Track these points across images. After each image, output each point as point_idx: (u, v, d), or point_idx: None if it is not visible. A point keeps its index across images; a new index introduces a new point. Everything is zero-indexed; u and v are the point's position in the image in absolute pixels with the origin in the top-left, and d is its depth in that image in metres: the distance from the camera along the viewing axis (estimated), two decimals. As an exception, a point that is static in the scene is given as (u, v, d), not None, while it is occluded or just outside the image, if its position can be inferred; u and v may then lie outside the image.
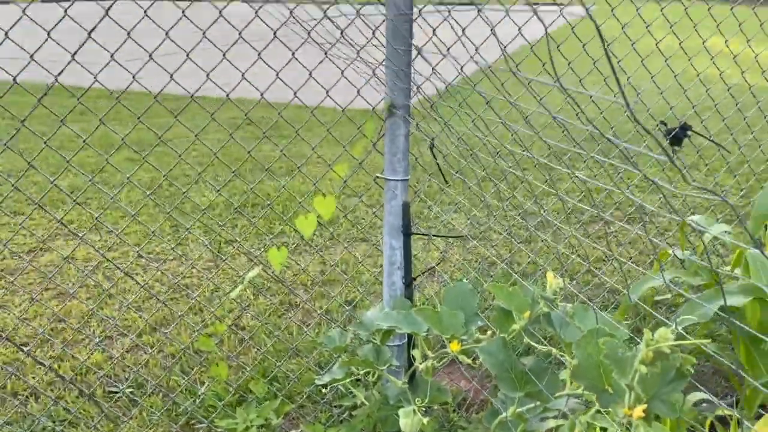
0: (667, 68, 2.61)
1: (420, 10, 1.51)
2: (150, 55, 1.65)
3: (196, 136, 2.39)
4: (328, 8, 1.49)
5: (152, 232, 2.34)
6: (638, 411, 0.74)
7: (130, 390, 2.38)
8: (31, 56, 1.43)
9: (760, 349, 1.59)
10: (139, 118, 1.74)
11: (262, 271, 3.37)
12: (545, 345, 0.98)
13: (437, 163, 1.60)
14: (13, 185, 1.80)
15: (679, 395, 0.75)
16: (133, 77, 1.63)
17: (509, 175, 4.09)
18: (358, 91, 1.64)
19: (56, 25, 1.49)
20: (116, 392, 2.37)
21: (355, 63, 1.61)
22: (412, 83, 1.50)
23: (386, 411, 1.53)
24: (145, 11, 1.61)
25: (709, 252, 2.37)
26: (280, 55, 2.00)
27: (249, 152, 2.29)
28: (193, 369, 2.48)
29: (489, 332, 1.12)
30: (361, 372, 1.48)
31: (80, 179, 4.70)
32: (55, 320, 2.83)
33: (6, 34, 1.41)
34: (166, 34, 1.51)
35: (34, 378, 2.44)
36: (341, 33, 1.49)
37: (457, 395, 2.12)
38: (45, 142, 1.69)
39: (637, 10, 2.17)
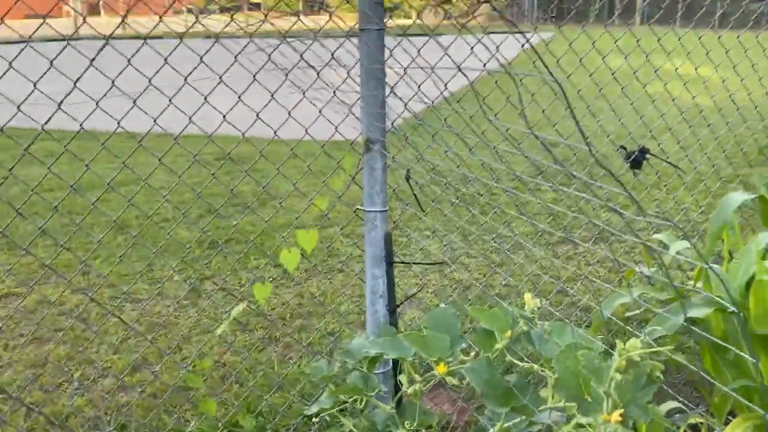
0: (624, 94, 2.75)
1: (391, 51, 1.59)
2: (135, 97, 1.70)
3: (179, 176, 2.44)
4: (303, 51, 1.56)
5: (139, 273, 2.35)
6: (615, 416, 0.81)
7: (117, 425, 2.37)
8: (18, 107, 1.47)
9: (725, 358, 1.68)
10: (124, 162, 1.78)
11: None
12: (527, 362, 1.05)
13: (413, 193, 1.67)
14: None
15: (650, 399, 0.82)
16: (119, 123, 1.68)
17: (481, 200, 4.19)
18: (336, 128, 1.72)
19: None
20: (99, 430, 2.36)
21: (327, 98, 1.68)
22: (386, 120, 1.58)
23: (375, 435, 1.57)
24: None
25: (674, 268, 2.48)
26: (252, 91, 2.07)
27: (232, 190, 2.34)
28: (176, 407, 2.48)
29: (472, 353, 1.18)
30: (349, 400, 1.53)
31: (49, 222, 4.66)
32: (34, 366, 2.80)
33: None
34: (149, 81, 1.57)
35: (13, 426, 2.42)
36: (317, 74, 1.57)
37: (442, 418, 2.17)
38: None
39: (593, 43, 2.30)
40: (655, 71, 2.54)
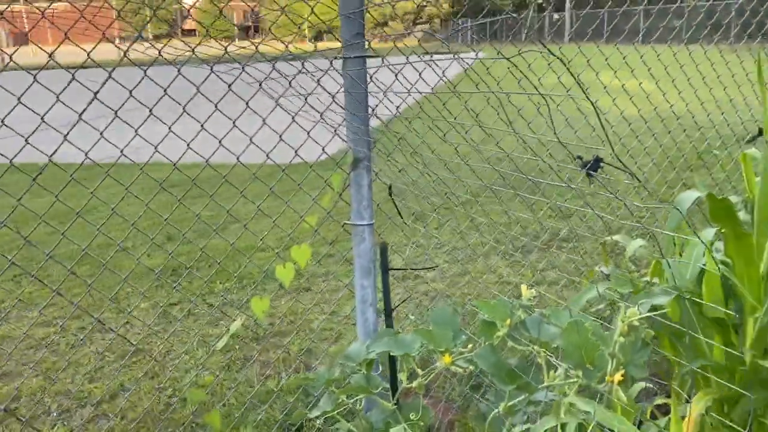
0: (559, 110, 2.98)
1: (371, 76, 1.73)
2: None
3: (146, 204, 2.50)
4: (292, 78, 1.68)
5: (107, 302, 2.38)
6: (617, 376, 0.96)
7: (101, 458, 2.39)
8: None
9: (682, 343, 1.87)
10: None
11: (212, 330, 3.42)
12: (527, 345, 1.18)
13: (396, 206, 1.80)
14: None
15: (646, 360, 0.97)
16: (85, 157, 1.74)
17: (457, 212, 4.36)
18: (323, 149, 1.83)
19: None
20: (85, 463, 2.37)
21: (307, 117, 1.80)
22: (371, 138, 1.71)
23: (374, 435, 1.68)
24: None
25: (630, 265, 2.69)
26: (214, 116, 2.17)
27: (197, 214, 2.40)
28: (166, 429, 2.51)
29: (470, 345, 1.30)
30: (350, 402, 1.63)
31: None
32: (7, 400, 2.77)
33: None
34: (114, 112, 1.65)
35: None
36: (305, 100, 1.69)
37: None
38: None
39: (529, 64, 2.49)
40: (603, 86, 2.77)
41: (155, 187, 2.31)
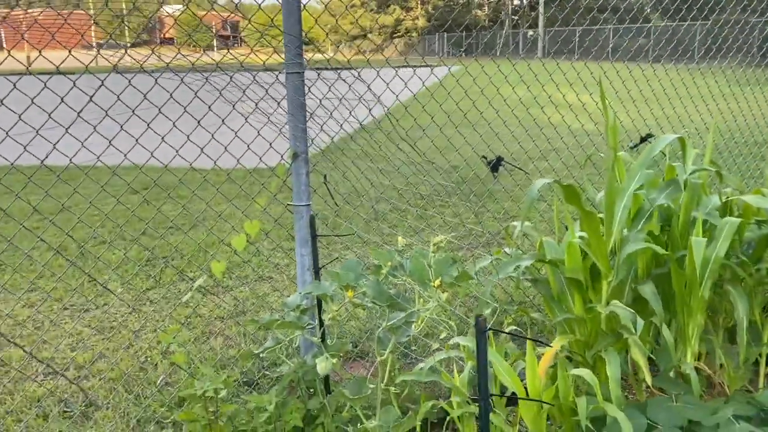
0: (501, 120, 3.49)
1: (310, 88, 2.20)
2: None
3: (119, 200, 2.92)
4: (246, 88, 2.14)
5: (84, 287, 2.80)
6: (437, 282, 1.42)
7: (83, 407, 2.79)
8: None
9: (555, 302, 2.36)
10: (75, 189, 2.28)
11: (182, 310, 3.84)
12: (401, 281, 1.64)
13: (329, 190, 2.26)
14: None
15: (456, 274, 1.44)
16: (69, 162, 2.18)
17: (390, 216, 4.84)
18: (271, 144, 2.29)
19: None
20: (70, 411, 2.77)
21: (258, 122, 2.25)
22: (308, 137, 2.18)
23: (305, 368, 2.13)
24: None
25: (518, 243, 3.20)
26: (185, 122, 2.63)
27: (174, 216, 2.84)
28: (135, 388, 2.93)
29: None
30: (286, 340, 2.08)
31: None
32: (-2, 365, 3.16)
33: None
34: (105, 112, 2.09)
35: (-9, 409, 2.79)
36: (256, 105, 2.15)
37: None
38: None
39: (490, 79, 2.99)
40: (545, 99, 3.27)
41: (129, 189, 2.74)
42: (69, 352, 3.30)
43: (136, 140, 2.73)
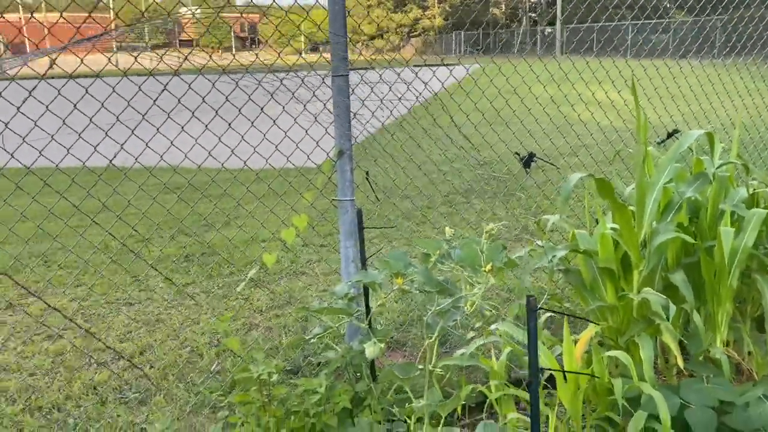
0: (545, 114, 3.61)
1: (354, 89, 2.33)
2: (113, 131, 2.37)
3: (155, 199, 3.08)
4: (296, 90, 2.28)
5: (128, 283, 2.96)
6: (488, 266, 1.54)
7: (136, 395, 2.96)
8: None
9: (588, 291, 2.47)
10: (114, 188, 2.43)
11: (221, 303, 4.00)
12: (449, 269, 1.76)
13: (371, 186, 2.39)
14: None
15: (504, 258, 1.56)
16: (107, 164, 2.34)
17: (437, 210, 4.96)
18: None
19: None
20: (125, 398, 2.94)
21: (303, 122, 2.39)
22: (352, 136, 2.31)
23: (352, 353, 2.27)
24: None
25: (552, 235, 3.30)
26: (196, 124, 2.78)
27: (191, 209, 3.00)
28: (185, 376, 3.08)
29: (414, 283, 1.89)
30: (335, 326, 2.22)
31: (20, 248, 5.14)
32: (53, 354, 3.34)
33: None
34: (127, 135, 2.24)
35: (48, 396, 2.96)
36: (304, 107, 2.29)
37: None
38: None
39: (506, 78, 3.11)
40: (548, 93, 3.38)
41: (165, 189, 2.90)
42: (119, 343, 3.47)
43: (171, 142, 2.89)
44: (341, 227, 2.40)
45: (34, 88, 2.61)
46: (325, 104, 2.32)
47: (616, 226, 2.32)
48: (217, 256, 4.81)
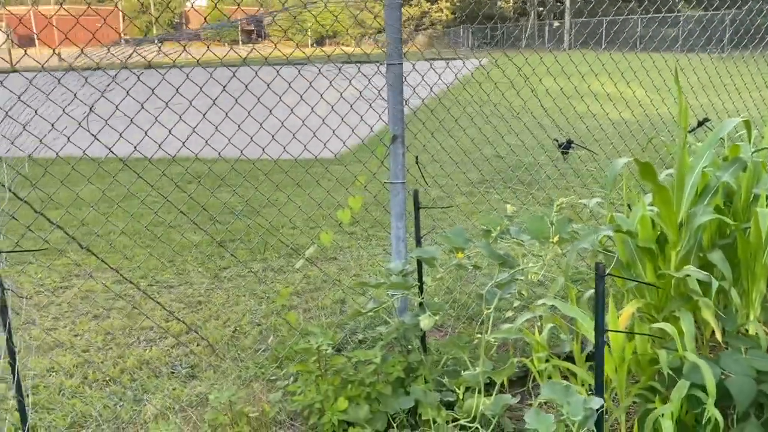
0: (556, 107, 3.72)
1: (405, 78, 2.45)
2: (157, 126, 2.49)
3: (190, 196, 3.21)
4: (352, 78, 2.40)
5: (164, 267, 3.10)
6: (555, 238, 1.66)
7: (187, 369, 3.10)
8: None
9: (626, 271, 2.59)
10: (138, 174, 2.56)
11: (258, 287, 4.13)
12: (509, 244, 1.88)
13: (420, 170, 2.51)
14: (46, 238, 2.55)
15: (570, 231, 1.67)
16: (135, 147, 2.46)
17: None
18: (372, 128, 2.56)
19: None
20: (176, 372, 3.08)
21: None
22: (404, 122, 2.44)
23: (405, 326, 2.39)
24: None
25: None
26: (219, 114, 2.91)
27: (238, 205, 3.12)
28: (230, 353, 3.22)
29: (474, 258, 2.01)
30: (389, 301, 2.35)
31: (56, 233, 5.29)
32: (103, 333, 3.48)
33: None
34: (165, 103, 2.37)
35: (104, 370, 3.11)
36: (360, 93, 2.41)
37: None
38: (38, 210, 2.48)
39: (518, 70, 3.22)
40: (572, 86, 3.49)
41: (189, 178, 3.02)
42: (164, 322, 3.61)
43: (193, 129, 3.01)
44: (392, 209, 2.53)
45: (62, 76, 2.74)
46: (360, 92, 2.44)
47: (654, 208, 2.43)
48: (249, 242, 4.94)
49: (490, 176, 6.42)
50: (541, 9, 51.47)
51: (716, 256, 2.33)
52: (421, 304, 2.23)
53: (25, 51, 2.28)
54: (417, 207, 2.34)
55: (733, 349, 2.31)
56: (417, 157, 2.50)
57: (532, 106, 4.11)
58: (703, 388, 1.99)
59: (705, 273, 2.14)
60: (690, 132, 3.43)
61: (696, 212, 2.41)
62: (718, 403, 1.99)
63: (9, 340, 1.94)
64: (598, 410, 1.59)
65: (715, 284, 2.09)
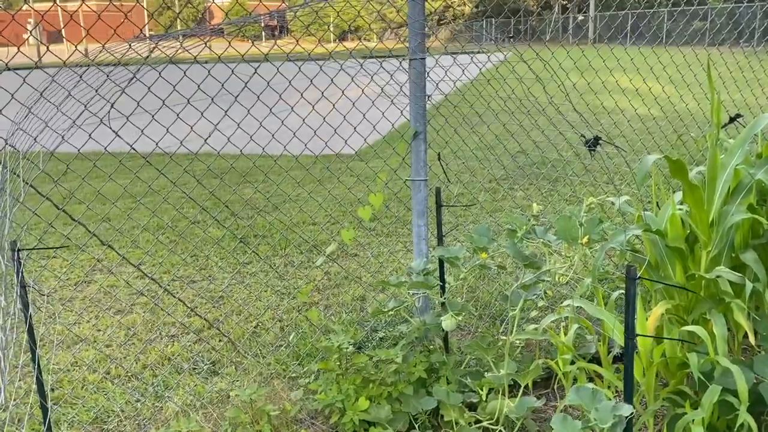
0: (582, 102, 3.64)
1: (428, 73, 2.41)
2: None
3: (212, 192, 3.19)
4: (374, 74, 2.36)
5: (187, 262, 3.09)
6: (585, 239, 1.61)
7: (208, 365, 3.10)
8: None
9: (655, 271, 2.52)
10: (160, 169, 2.54)
11: (279, 282, 4.13)
12: (535, 244, 1.83)
13: (443, 167, 2.47)
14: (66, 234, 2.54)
15: (599, 232, 1.62)
16: (156, 146, 2.44)
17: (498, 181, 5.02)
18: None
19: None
20: (197, 368, 3.08)
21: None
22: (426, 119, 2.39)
23: (427, 326, 2.36)
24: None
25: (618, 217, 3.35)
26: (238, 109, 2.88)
27: (265, 201, 3.10)
28: (251, 350, 3.21)
29: (497, 258, 1.96)
30: (410, 300, 2.31)
31: (77, 229, 5.34)
32: (126, 327, 3.50)
33: None
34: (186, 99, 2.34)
35: (126, 366, 3.12)
36: (382, 90, 2.37)
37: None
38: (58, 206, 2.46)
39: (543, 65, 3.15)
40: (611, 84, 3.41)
41: (212, 174, 3.00)
42: (186, 317, 3.62)
43: (215, 126, 2.99)
44: (414, 207, 2.49)
45: (83, 72, 2.73)
46: (382, 88, 2.41)
47: (684, 207, 2.36)
48: (270, 238, 4.94)
49: (513, 173, 6.35)
50: (565, 2, 50.86)
51: (749, 257, 2.26)
52: (443, 303, 2.19)
53: (48, 47, 2.27)
54: (439, 205, 2.30)
55: (766, 353, 2.24)
56: (439, 154, 2.45)
57: (558, 101, 4.04)
58: (736, 394, 1.93)
59: (738, 274, 2.07)
60: (722, 128, 3.33)
61: (728, 211, 2.34)
62: (752, 409, 1.93)
63: (31, 336, 1.95)
64: (627, 417, 1.54)
65: (749, 286, 2.02)
